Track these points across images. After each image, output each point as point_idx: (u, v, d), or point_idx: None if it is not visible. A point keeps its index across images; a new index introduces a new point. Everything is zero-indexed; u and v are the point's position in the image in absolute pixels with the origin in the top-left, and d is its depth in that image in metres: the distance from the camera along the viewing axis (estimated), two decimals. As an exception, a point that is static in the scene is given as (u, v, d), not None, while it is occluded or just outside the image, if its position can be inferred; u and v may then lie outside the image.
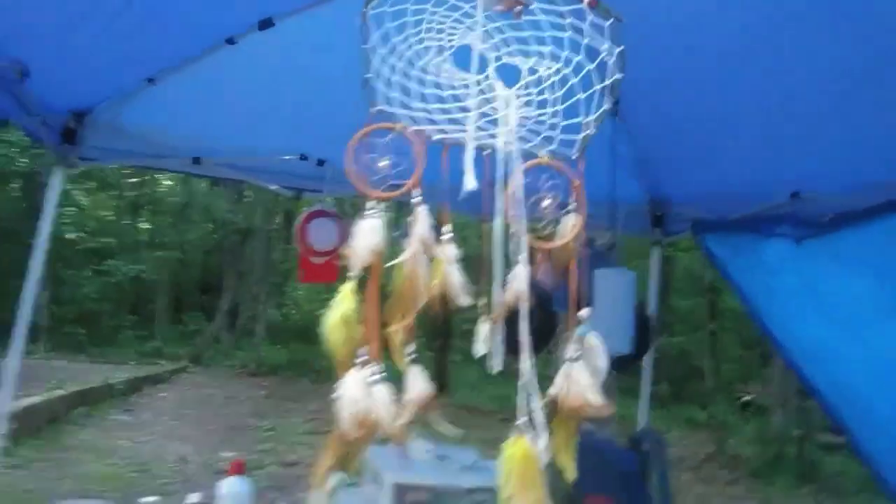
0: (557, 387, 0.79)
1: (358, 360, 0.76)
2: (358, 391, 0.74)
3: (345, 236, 3.01)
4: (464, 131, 0.78)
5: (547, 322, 2.68)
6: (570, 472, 0.81)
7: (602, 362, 0.84)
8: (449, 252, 0.77)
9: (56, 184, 2.53)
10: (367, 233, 0.78)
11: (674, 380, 12.19)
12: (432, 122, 0.85)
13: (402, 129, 0.82)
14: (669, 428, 9.79)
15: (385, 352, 0.77)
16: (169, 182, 14.24)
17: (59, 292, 11.41)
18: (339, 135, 1.92)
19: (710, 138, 2.72)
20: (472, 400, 9.08)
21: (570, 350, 0.82)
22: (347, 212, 3.06)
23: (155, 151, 2.74)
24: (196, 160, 2.80)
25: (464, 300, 0.77)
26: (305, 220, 2.91)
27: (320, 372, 10.79)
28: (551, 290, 3.02)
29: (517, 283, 0.75)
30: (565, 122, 0.84)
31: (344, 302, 0.79)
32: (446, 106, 0.85)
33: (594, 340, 0.86)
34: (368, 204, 0.79)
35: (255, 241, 11.90)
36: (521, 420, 0.74)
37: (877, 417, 2.77)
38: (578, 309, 0.88)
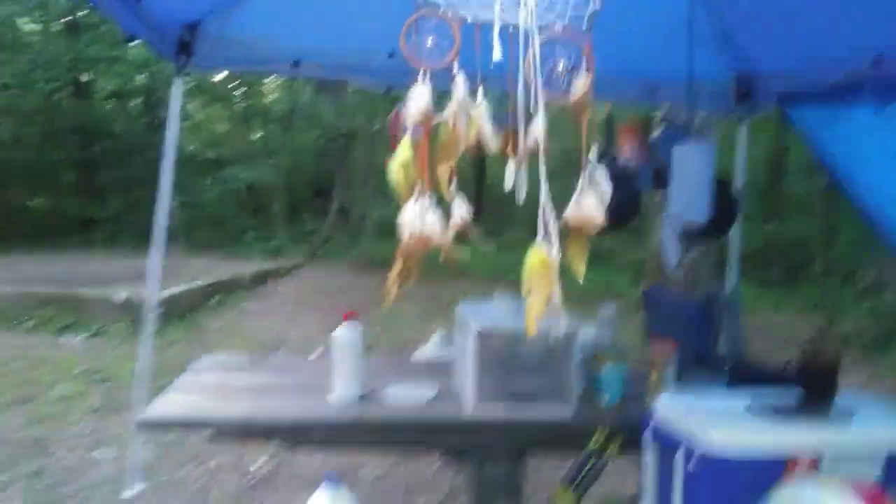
0: (570, 210, 1.01)
1: (415, 194, 1.01)
2: (414, 216, 0.99)
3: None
4: (492, 13, 0.98)
5: (631, 198, 2.87)
6: (580, 276, 1.05)
7: (607, 189, 1.05)
8: (482, 110, 0.99)
9: (177, 94, 2.88)
10: (418, 96, 1.01)
11: (787, 265, 11.94)
12: (467, 7, 1.04)
13: (442, 14, 1.02)
14: (780, 310, 9.72)
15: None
16: (274, 94, 14.77)
17: (184, 200, 12.35)
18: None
19: (792, 6, 2.71)
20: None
21: (581, 181, 1.03)
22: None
23: (259, 57, 3.04)
24: (296, 63, 3.08)
25: (493, 147, 0.99)
26: (396, 115, 3.15)
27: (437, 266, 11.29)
28: (636, 167, 3.19)
29: (536, 129, 0.95)
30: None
31: (403, 152, 1.03)
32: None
33: (601, 171, 1.06)
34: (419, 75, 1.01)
35: (359, 144, 12.31)
36: (540, 234, 0.96)
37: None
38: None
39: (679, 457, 1.52)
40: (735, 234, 3.49)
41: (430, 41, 1.01)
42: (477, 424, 1.91)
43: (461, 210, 1.02)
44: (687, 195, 2.73)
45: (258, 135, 15.91)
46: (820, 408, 1.62)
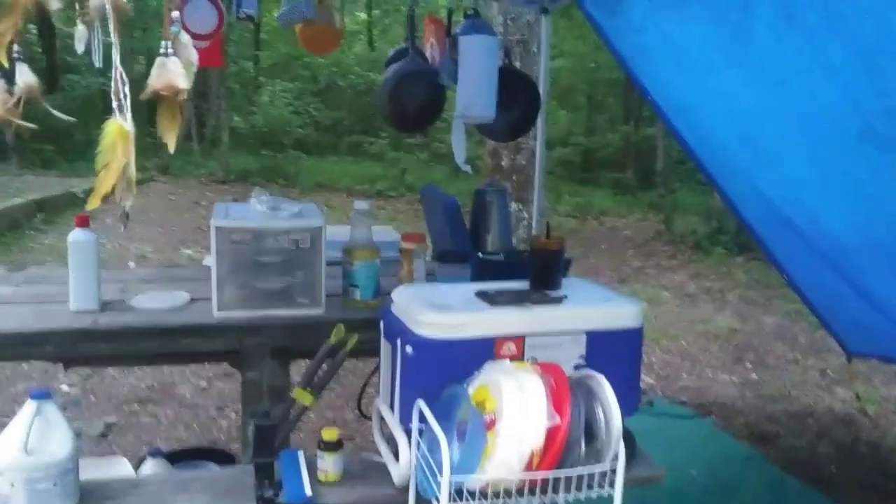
0: (153, 77, 0.95)
1: None
2: None
3: (222, 18, 3.04)
4: None
5: (434, 92, 2.82)
6: (171, 146, 1.02)
7: (192, 56, 0.99)
8: None
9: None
10: None
11: (639, 168, 12.50)
12: None
13: None
14: (633, 212, 10.24)
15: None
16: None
17: (25, 110, 11.34)
18: None
19: None
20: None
21: (163, 46, 0.97)
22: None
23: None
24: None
25: (54, 5, 0.91)
26: (182, 3, 2.93)
27: (289, 177, 11.05)
28: (440, 62, 3.13)
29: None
30: None
31: None
32: None
33: (185, 38, 1.00)
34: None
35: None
36: (115, 104, 0.90)
37: (734, 166, 2.99)
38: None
39: (398, 341, 1.55)
40: (539, 131, 3.55)
41: None
42: (221, 327, 1.87)
43: (25, 77, 0.94)
44: (473, 90, 2.71)
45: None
46: (541, 294, 1.68)
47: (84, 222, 1.87)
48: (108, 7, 0.84)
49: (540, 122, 3.64)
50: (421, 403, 1.45)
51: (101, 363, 2.50)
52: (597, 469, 1.38)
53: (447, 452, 1.31)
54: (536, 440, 1.34)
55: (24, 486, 1.37)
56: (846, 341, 3.38)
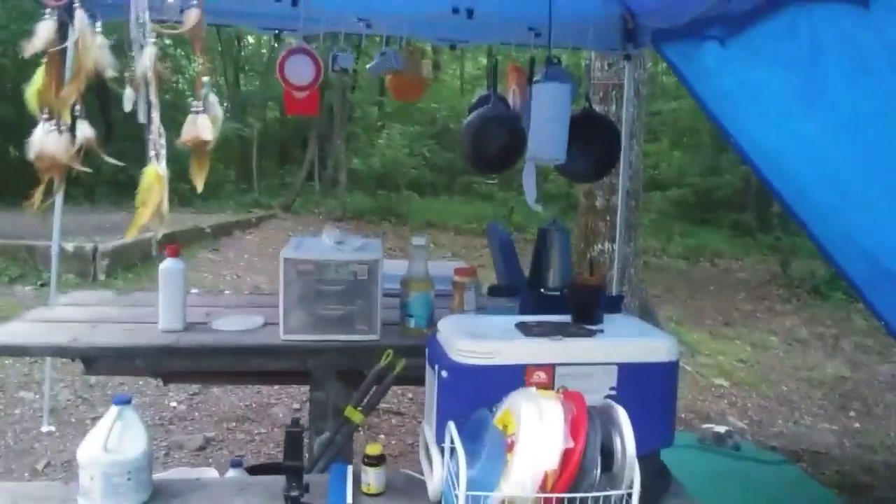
0: (185, 131, 1.12)
1: (43, 117, 1.12)
2: (41, 137, 1.10)
3: (320, 71, 3.32)
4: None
5: (517, 136, 2.95)
6: (199, 187, 1.17)
7: (219, 113, 1.15)
8: (99, 39, 1.09)
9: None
10: (43, 29, 1.11)
11: (760, 209, 11.99)
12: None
13: None
14: (749, 255, 9.86)
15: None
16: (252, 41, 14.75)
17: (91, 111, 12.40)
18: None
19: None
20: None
21: (195, 105, 1.13)
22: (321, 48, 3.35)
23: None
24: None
25: (111, 73, 1.09)
26: (284, 58, 3.23)
27: (401, 216, 11.43)
28: (522, 107, 3.25)
29: (146, 58, 1.05)
30: None
31: (37, 79, 1.14)
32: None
33: (213, 98, 1.16)
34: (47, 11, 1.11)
35: (334, 93, 12.30)
36: (152, 153, 1.07)
37: (825, 212, 2.91)
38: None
39: (437, 366, 1.65)
40: (622, 171, 3.59)
41: None
42: (286, 349, 2.04)
43: (84, 131, 1.14)
44: (544, 133, 2.81)
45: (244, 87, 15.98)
46: (577, 327, 1.74)
47: (174, 253, 2.11)
48: (149, 74, 1.02)
49: (625, 163, 3.68)
50: (451, 425, 1.54)
51: (188, 378, 2.74)
52: (612, 494, 1.41)
53: (464, 469, 1.39)
54: (551, 462, 1.39)
55: (102, 480, 1.56)
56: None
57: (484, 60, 16.12)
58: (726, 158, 13.41)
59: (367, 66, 3.53)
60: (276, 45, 3.62)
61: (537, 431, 1.42)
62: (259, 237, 8.87)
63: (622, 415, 1.45)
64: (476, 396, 1.59)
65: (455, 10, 3.17)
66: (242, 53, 15.93)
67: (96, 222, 7.17)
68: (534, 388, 1.56)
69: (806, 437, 3.70)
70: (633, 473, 1.41)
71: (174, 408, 3.86)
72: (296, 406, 3.98)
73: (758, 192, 11.99)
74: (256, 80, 15.83)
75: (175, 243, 2.15)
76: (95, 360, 2.01)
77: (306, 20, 3.18)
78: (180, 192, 11.77)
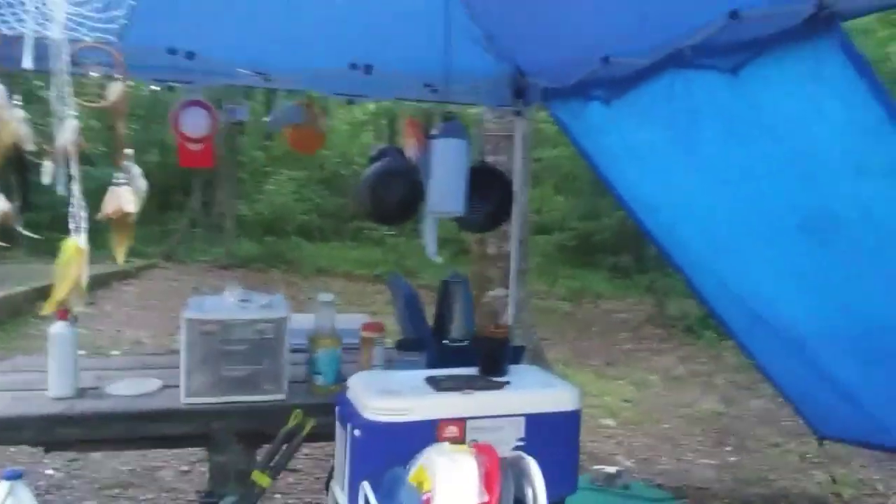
0: (106, 202, 1.11)
1: None
2: None
3: (215, 123, 3.27)
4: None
5: (414, 189, 3.01)
6: (120, 259, 1.16)
7: (142, 185, 1.15)
8: (17, 113, 1.07)
9: None
10: None
11: (636, 251, 12.63)
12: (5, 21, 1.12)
13: None
14: (628, 295, 10.34)
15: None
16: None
17: (34, 199, 11.72)
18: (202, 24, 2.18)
19: (543, 11, 2.93)
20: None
21: (117, 177, 1.13)
22: (217, 100, 3.32)
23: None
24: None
25: (29, 146, 1.08)
26: (178, 110, 3.17)
27: (291, 262, 11.25)
28: (418, 160, 3.33)
29: (67, 131, 1.03)
30: (105, 15, 1.10)
31: None
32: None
33: (136, 170, 1.17)
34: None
35: (221, 140, 12.06)
36: (72, 226, 1.05)
37: (700, 260, 3.13)
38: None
39: (349, 425, 1.65)
40: (515, 222, 3.73)
41: None
42: (188, 413, 1.98)
43: (1, 205, 1.11)
44: (443, 187, 2.90)
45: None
46: (485, 380, 1.80)
47: (64, 315, 2.01)
48: (69, 147, 1.01)
49: (516, 212, 3.82)
50: (366, 485, 1.55)
51: (78, 447, 2.58)
52: (526, 546, 1.46)
53: (382, 532, 1.40)
54: (468, 518, 1.42)
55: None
56: (817, 425, 3.43)
57: (371, 106, 16.30)
58: (604, 203, 14.10)
59: (267, 118, 3.52)
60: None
61: (453, 487, 1.45)
62: (139, 288, 8.48)
63: (533, 466, 1.51)
64: (389, 454, 1.61)
65: (353, 66, 3.23)
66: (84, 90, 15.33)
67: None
68: (447, 444, 1.59)
69: (689, 472, 3.90)
70: (547, 523, 1.47)
71: (50, 475, 3.60)
72: (184, 468, 3.80)
73: (634, 235, 12.62)
74: (134, 123, 15.26)
75: (63, 309, 2.04)
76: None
77: (202, 73, 3.14)
78: (51, 241, 11.16)
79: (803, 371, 3.01)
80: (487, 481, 1.46)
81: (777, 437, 4.51)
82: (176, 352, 2.09)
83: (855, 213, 2.08)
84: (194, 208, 12.43)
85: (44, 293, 6.88)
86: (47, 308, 1.14)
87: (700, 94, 2.36)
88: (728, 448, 4.31)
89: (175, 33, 3.00)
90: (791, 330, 2.81)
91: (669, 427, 4.68)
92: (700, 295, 3.34)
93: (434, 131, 3.21)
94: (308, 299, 8.65)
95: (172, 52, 3.06)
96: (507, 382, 1.77)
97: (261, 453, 2.04)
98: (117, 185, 1.12)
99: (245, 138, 13.60)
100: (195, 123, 3.15)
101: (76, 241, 1.07)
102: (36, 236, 1.24)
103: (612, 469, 3.45)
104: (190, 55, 3.09)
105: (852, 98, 1.80)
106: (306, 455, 3.92)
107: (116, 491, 3.46)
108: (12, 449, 3.69)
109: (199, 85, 3.19)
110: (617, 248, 12.84)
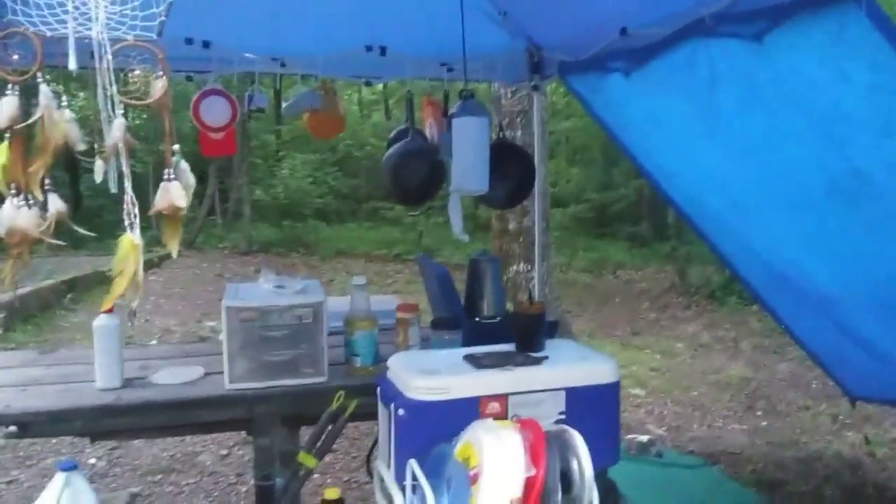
0: (158, 198, 1.14)
1: (11, 192, 1.11)
2: (10, 212, 1.09)
3: (235, 111, 3.29)
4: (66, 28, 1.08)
5: (436, 168, 3.03)
6: (174, 253, 1.19)
7: (191, 180, 1.18)
8: (66, 114, 1.10)
9: None
10: (6, 106, 1.10)
11: (655, 220, 12.59)
12: (46, 23, 1.14)
13: (24, 30, 1.12)
14: (648, 265, 10.33)
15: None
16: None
17: (60, 183, 11.86)
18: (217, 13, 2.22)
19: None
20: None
21: (165, 173, 1.15)
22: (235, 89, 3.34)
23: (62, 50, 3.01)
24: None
25: (80, 146, 1.11)
26: (198, 99, 3.19)
27: (309, 245, 11.32)
28: (439, 139, 3.35)
29: (116, 130, 1.06)
30: (144, 13, 1.13)
31: (2, 154, 1.13)
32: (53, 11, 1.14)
33: (184, 165, 1.19)
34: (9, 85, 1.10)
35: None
36: (127, 222, 1.09)
37: (726, 227, 3.13)
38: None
39: (392, 405, 1.69)
40: (537, 196, 3.74)
41: (15, 56, 1.11)
42: (232, 398, 2.03)
43: (56, 204, 1.14)
44: (466, 166, 2.91)
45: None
46: (523, 356, 1.82)
47: (109, 309, 2.06)
48: (120, 145, 1.03)
49: (537, 187, 3.84)
50: (413, 463, 1.58)
51: (125, 436, 2.65)
52: (573, 516, 1.50)
53: (433, 505, 1.44)
54: (515, 490, 1.46)
55: (56, 552, 1.52)
56: (849, 387, 3.45)
57: (380, 86, 16.23)
58: (618, 172, 14.05)
59: (283, 106, 3.53)
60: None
61: (500, 462, 1.48)
62: (163, 277, 8.59)
63: (577, 438, 1.54)
64: (433, 432, 1.65)
65: (368, 48, 3.23)
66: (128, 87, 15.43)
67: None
68: (491, 419, 1.63)
69: (720, 438, 3.93)
70: (592, 494, 1.50)
71: (93, 464, 3.70)
72: (223, 452, 3.88)
73: (651, 203, 12.61)
74: (144, 113, 15.33)
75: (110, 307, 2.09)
76: (31, 425, 1.92)
77: (219, 61, 3.16)
78: (74, 234, 11.30)
79: (833, 333, 3.01)
80: (533, 455, 1.49)
81: (807, 399, 4.53)
82: (205, 339, 2.13)
83: (883, 174, 2.07)
84: (211, 196, 12.51)
85: (72, 285, 6.99)
86: (106, 303, 1.18)
87: (721, 63, 2.35)
88: (759, 413, 4.34)
89: (191, 23, 3.02)
90: (820, 292, 2.81)
91: (698, 394, 4.71)
92: (725, 260, 3.34)
93: (453, 110, 3.23)
94: (330, 281, 8.73)
95: (189, 42, 3.09)
96: (546, 357, 1.80)
97: (303, 434, 2.09)
98: (167, 180, 1.15)
99: (254, 123, 13.62)
100: (215, 112, 3.18)
101: (131, 238, 1.11)
102: (90, 234, 1.27)
103: (644, 438, 3.49)
104: (206, 44, 3.12)
105: (878, 60, 1.80)
106: (342, 434, 3.99)
107: (159, 476, 3.54)
108: (53, 440, 3.79)
109: (215, 73, 3.21)
110: (635, 218, 12.81)
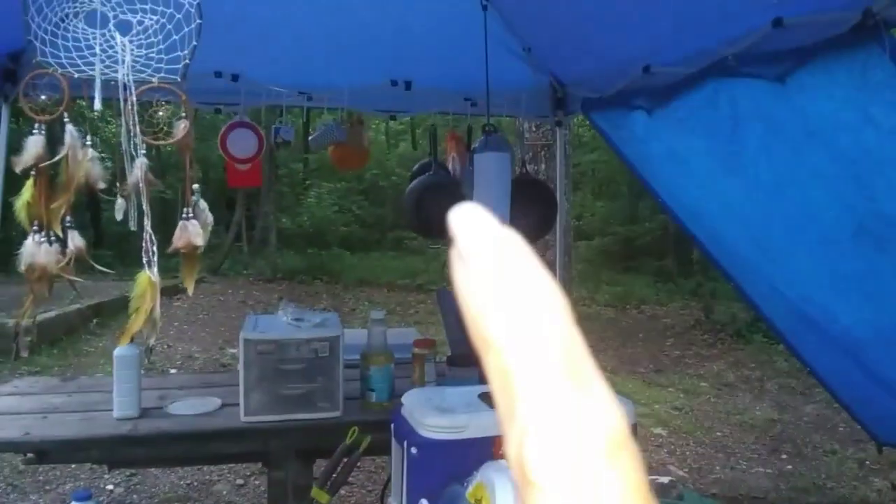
0: (176, 237, 1.15)
1: (33, 228, 1.14)
2: (32, 248, 1.11)
3: (262, 144, 3.35)
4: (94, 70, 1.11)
5: (458, 202, 3.05)
6: (190, 290, 1.20)
7: (209, 219, 1.19)
8: (90, 153, 1.12)
9: (5, 118, 2.90)
10: (32, 144, 1.13)
11: (679, 255, 12.47)
12: (75, 65, 1.17)
13: (53, 71, 1.15)
14: (673, 300, 10.21)
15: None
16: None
17: (81, 219, 12.06)
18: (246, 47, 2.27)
19: (581, 22, 2.95)
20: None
21: (184, 212, 1.17)
22: (262, 121, 3.40)
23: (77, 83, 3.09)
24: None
25: (101, 185, 1.13)
26: (226, 132, 3.25)
27: (333, 274, 11.38)
28: (461, 173, 3.37)
29: (138, 170, 1.08)
30: (169, 56, 1.15)
31: (26, 192, 1.15)
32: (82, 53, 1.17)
33: (203, 204, 1.21)
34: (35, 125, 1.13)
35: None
36: (145, 259, 1.10)
37: (749, 266, 3.10)
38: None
39: (405, 443, 1.68)
40: (559, 230, 3.73)
41: (43, 97, 1.14)
42: (247, 431, 2.03)
43: (76, 241, 1.16)
44: (486, 202, 2.92)
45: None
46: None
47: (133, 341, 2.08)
48: (141, 185, 1.06)
49: (560, 221, 3.83)
50: (424, 503, 1.57)
51: (141, 465, 2.66)
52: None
53: (444, 549, 1.42)
54: (527, 536, 1.44)
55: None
56: (876, 432, 3.36)
57: (407, 117, 16.38)
58: (644, 206, 13.97)
59: (309, 138, 3.58)
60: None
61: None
62: (188, 303, 8.66)
63: (592, 483, 1.52)
64: (446, 471, 1.63)
65: (394, 83, 3.28)
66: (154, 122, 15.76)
67: (13, 294, 6.88)
68: (504, 460, 1.61)
69: (743, 482, 3.84)
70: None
71: (111, 491, 3.71)
72: (239, 482, 3.88)
73: (676, 238, 12.49)
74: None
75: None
76: (49, 453, 1.94)
77: (247, 94, 3.22)
78: (101, 259, 11.48)
79: (859, 376, 2.95)
80: (546, 498, 1.47)
81: (834, 443, 4.42)
82: (227, 366, 2.13)
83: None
84: (237, 223, 12.67)
85: (98, 310, 7.08)
86: (123, 340, 1.20)
87: (744, 102, 2.35)
88: (783, 456, 4.24)
89: (221, 57, 3.09)
90: (846, 335, 2.76)
91: (722, 435, 4.61)
92: (750, 300, 3.30)
93: (475, 145, 3.25)
94: (352, 311, 8.75)
95: (218, 75, 3.16)
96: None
97: (317, 468, 2.08)
98: (186, 219, 1.16)
99: (282, 152, 13.85)
100: (242, 144, 3.24)
101: (149, 275, 1.12)
102: (109, 271, 1.29)
103: (664, 479, 3.41)
104: (235, 77, 3.18)
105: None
106: (357, 467, 3.97)
107: (176, 505, 3.55)
108: (73, 466, 3.81)
109: (244, 106, 3.27)
110: (660, 252, 12.69)
